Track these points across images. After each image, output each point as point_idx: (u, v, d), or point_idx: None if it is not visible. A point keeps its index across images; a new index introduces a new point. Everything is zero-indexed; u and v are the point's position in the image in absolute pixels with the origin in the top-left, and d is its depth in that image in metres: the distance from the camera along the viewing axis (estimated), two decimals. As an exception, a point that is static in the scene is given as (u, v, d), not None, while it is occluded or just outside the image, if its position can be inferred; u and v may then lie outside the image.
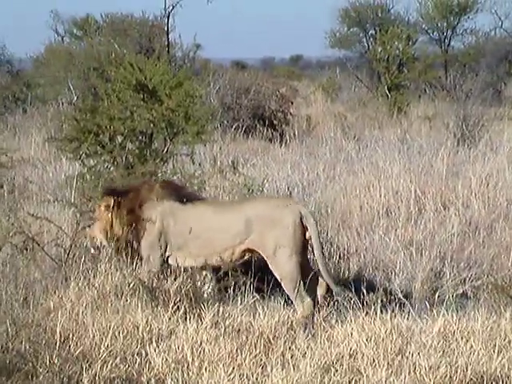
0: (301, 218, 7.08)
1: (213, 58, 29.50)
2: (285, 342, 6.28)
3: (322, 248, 7.41)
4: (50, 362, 5.53)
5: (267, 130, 19.40)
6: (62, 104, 19.71)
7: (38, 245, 7.68)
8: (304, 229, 7.08)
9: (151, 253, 7.29)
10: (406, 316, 6.85)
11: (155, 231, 7.31)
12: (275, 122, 20.28)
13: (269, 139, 18.88)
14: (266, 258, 7.07)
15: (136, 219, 7.44)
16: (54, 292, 6.89)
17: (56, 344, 5.76)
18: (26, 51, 31.55)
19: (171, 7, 23.94)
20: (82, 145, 10.93)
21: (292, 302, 6.95)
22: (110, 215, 7.56)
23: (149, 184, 7.87)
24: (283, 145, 17.56)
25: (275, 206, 7.15)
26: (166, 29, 23.99)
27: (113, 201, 7.65)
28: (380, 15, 28.63)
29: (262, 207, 7.17)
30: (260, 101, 20.21)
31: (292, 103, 21.44)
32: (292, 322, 6.68)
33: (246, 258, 7.20)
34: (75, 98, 19.94)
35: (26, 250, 7.66)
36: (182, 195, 7.61)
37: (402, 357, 6.09)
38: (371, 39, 28.57)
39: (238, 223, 7.13)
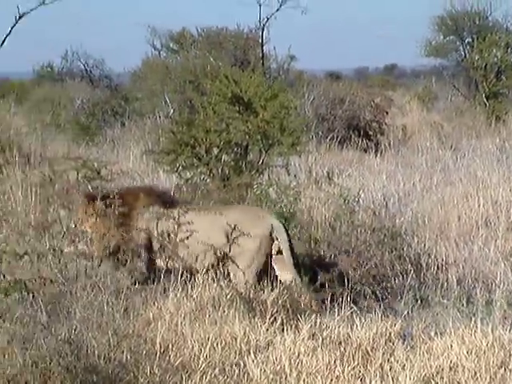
0: (271, 231, 7.44)
1: (307, 68, 29.48)
2: (383, 353, 6.20)
3: (295, 259, 7.57)
4: (150, 372, 5.59)
5: (362, 140, 19.30)
6: (159, 117, 19.99)
7: (138, 256, 7.79)
8: (272, 241, 7.46)
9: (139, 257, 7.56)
10: (508, 328, 6.70)
11: (144, 236, 7.53)
12: (370, 132, 20.16)
13: (364, 149, 18.77)
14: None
15: (124, 225, 7.62)
16: (154, 303, 6.97)
17: (156, 354, 5.82)
18: (124, 66, 32.17)
19: (266, 19, 24.07)
20: (178, 157, 11.08)
21: (390, 314, 6.90)
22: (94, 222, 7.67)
23: (133, 191, 8.04)
24: (378, 155, 17.45)
25: (248, 217, 7.53)
26: (260, 41, 24.11)
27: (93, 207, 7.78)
28: (477, 22, 28.15)
29: (237, 216, 7.51)
30: (355, 111, 20.12)
31: (387, 113, 21.28)
32: (390, 333, 6.60)
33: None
34: (172, 111, 20.20)
35: (126, 261, 7.79)
36: (166, 201, 7.86)
37: (504, 370, 5.96)
38: (468, 47, 28.11)
39: (217, 229, 7.47)
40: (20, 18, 14.21)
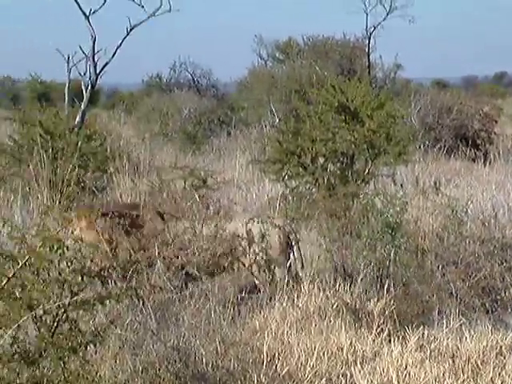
0: None
1: (413, 77, 29.23)
2: (494, 367, 6.08)
3: None
4: (257, 380, 5.62)
5: (470, 149, 18.98)
6: (265, 127, 20.11)
7: (244, 265, 7.85)
8: None
9: None
10: None
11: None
12: (478, 141, 19.81)
13: (472, 159, 18.46)
14: None
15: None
16: (260, 312, 7.00)
17: (263, 363, 5.85)
18: (231, 75, 32.50)
19: (373, 28, 23.97)
20: (284, 166, 11.11)
21: (500, 327, 6.77)
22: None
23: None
24: (487, 165, 17.13)
25: None
26: (366, 50, 24.02)
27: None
28: None
29: None
30: (462, 120, 19.81)
31: (496, 122, 20.87)
32: (501, 347, 6.46)
33: None
34: (277, 121, 20.29)
35: (232, 269, 7.85)
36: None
37: None
38: None
39: None
40: (131, 29, 14.50)
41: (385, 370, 5.95)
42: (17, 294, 4.67)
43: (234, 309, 6.92)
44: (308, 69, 23.08)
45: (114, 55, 14.61)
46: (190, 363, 5.56)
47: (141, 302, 6.24)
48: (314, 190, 11.02)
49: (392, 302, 7.10)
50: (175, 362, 5.59)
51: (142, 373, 5.40)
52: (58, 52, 15.34)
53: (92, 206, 7.87)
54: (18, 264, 4.67)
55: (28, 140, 12.85)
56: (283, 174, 11.15)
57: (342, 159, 11.06)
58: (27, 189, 12.03)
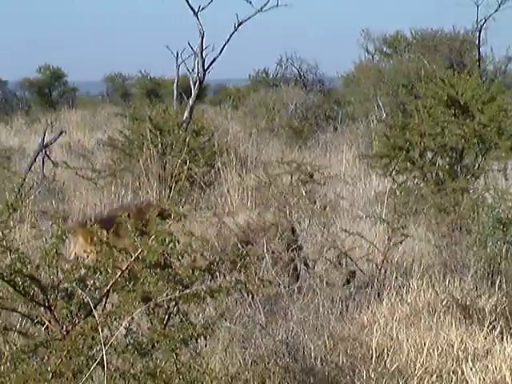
0: None
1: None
2: None
3: None
4: (366, 376, 5.60)
5: None
6: (372, 121, 19.97)
7: (351, 260, 7.83)
8: None
9: None
10: None
11: None
12: None
13: None
14: None
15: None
16: (367, 307, 6.97)
17: (371, 359, 5.82)
18: (337, 70, 32.35)
19: (483, 20, 23.50)
20: (391, 161, 11.01)
21: None
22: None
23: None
24: None
25: None
26: (477, 43, 23.56)
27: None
28: None
29: None
30: None
31: None
32: None
33: None
34: (384, 115, 20.13)
35: (340, 264, 7.83)
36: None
37: None
38: None
39: None
40: (239, 25, 14.61)
41: (497, 368, 5.83)
42: (130, 286, 4.77)
43: (341, 304, 6.91)
44: (416, 63, 22.79)
45: (221, 51, 14.75)
46: (298, 357, 5.57)
47: (249, 296, 6.28)
48: (422, 185, 10.89)
49: (504, 298, 6.96)
50: (284, 356, 5.61)
51: (251, 366, 5.44)
52: (168, 49, 15.61)
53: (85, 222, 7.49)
54: (131, 257, 4.76)
55: (138, 135, 13.10)
56: (391, 169, 11.06)
57: (451, 154, 10.90)
58: (137, 183, 12.26)
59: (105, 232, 7.02)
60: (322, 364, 5.61)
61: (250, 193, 10.72)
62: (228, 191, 11.07)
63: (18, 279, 4.56)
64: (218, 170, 12.17)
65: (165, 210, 7.99)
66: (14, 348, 4.36)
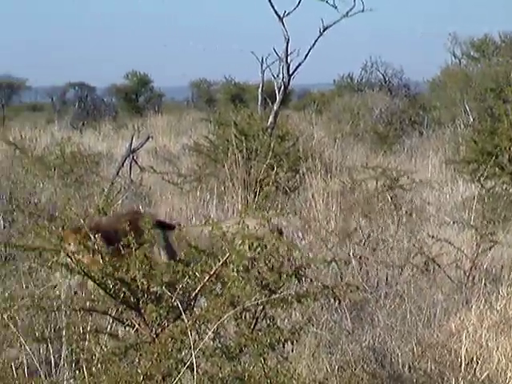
0: None
1: None
2: None
3: None
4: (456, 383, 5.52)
5: None
6: (459, 126, 19.72)
7: (439, 266, 7.73)
8: None
9: None
10: None
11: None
12: None
13: None
14: None
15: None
16: (455, 314, 6.87)
17: (460, 366, 5.73)
18: (423, 75, 32.02)
19: None
20: (480, 166, 10.86)
21: None
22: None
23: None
24: None
25: None
26: None
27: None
28: None
29: None
30: None
31: None
32: None
33: None
34: (471, 120, 19.85)
35: (427, 270, 7.75)
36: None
37: None
38: None
39: None
40: (324, 30, 14.60)
41: None
42: (217, 290, 4.80)
43: (429, 310, 6.82)
44: (504, 66, 22.41)
45: (306, 56, 14.76)
46: (385, 364, 5.53)
47: (336, 302, 6.26)
48: (511, 190, 10.72)
49: None
50: (371, 362, 5.58)
51: (338, 372, 5.42)
52: (253, 54, 15.68)
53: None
54: (219, 261, 4.79)
55: (223, 140, 13.19)
56: (479, 175, 10.91)
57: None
58: (222, 188, 12.35)
59: (97, 238, 7.02)
60: (409, 371, 5.56)
61: (334, 198, 10.67)
62: (313, 196, 11.05)
63: (109, 282, 4.64)
64: (303, 175, 12.16)
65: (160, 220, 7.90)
66: (105, 350, 4.44)
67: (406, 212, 10.58)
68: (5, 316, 4.67)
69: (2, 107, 38.57)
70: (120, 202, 11.10)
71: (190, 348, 4.31)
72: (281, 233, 7.40)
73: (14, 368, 4.86)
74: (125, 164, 13.40)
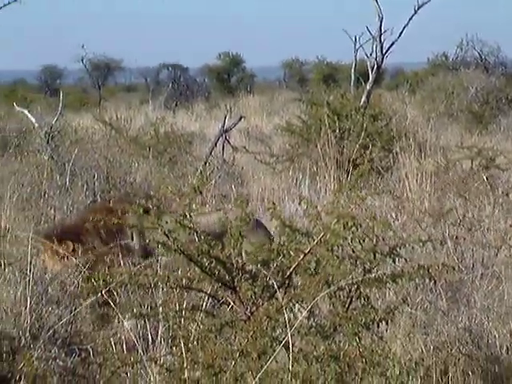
0: None
1: None
2: None
3: None
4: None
5: None
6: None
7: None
8: None
9: None
10: None
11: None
12: None
13: None
14: None
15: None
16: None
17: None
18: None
19: None
20: None
21: None
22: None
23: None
24: None
25: None
26: None
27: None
28: None
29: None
30: None
31: None
32: None
33: None
34: None
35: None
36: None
37: None
38: None
39: None
40: (419, 8, 14.40)
41: None
42: (312, 269, 4.80)
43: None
44: None
45: (400, 35, 14.58)
46: (482, 345, 5.45)
47: (431, 282, 6.19)
48: None
49: None
50: (467, 343, 5.50)
51: (433, 352, 5.37)
52: (345, 33, 15.58)
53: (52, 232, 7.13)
54: (314, 240, 4.79)
55: (315, 120, 13.16)
56: None
57: None
58: (314, 168, 12.33)
59: (70, 244, 6.93)
60: (507, 353, 5.46)
61: (428, 178, 10.54)
62: (406, 176, 10.94)
63: (205, 261, 4.69)
64: (396, 154, 12.05)
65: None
66: (201, 327, 4.49)
67: (503, 192, 10.38)
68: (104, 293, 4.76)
69: (98, 88, 39.28)
70: (213, 181, 11.18)
71: (285, 326, 4.33)
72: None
73: (113, 343, 4.97)
74: (217, 144, 13.49)
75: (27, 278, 5.95)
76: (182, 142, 14.53)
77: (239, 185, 12.41)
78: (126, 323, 5.37)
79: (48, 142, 11.99)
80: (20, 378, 5.12)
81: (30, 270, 5.97)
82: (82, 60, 39.93)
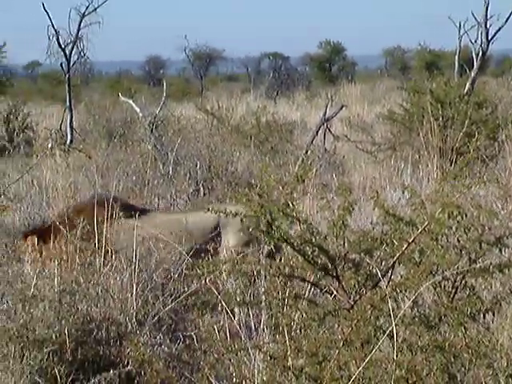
0: None
1: None
2: None
3: None
4: None
5: None
6: None
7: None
8: None
9: None
10: None
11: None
12: None
13: None
14: None
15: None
16: None
17: None
18: None
19: None
20: None
21: None
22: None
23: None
24: None
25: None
26: None
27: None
28: None
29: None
30: None
31: None
32: None
33: None
34: None
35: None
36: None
37: None
38: None
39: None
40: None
41: None
42: (416, 258, 4.75)
43: None
44: None
45: (507, 20, 14.28)
46: None
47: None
48: None
49: None
50: None
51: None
52: (450, 20, 15.34)
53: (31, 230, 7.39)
54: (418, 229, 4.74)
55: (418, 109, 13.01)
56: None
57: None
58: (417, 157, 12.20)
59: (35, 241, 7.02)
60: None
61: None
62: (512, 165, 10.74)
63: (308, 249, 4.69)
64: (502, 143, 11.83)
65: (128, 204, 7.65)
66: (304, 315, 4.50)
67: None
68: (207, 281, 4.82)
69: (200, 78, 39.70)
70: (314, 170, 11.17)
71: (389, 316, 4.30)
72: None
73: (216, 330, 5.02)
74: (318, 133, 13.48)
75: (133, 266, 6.06)
76: (283, 131, 14.58)
77: (340, 174, 12.37)
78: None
79: (152, 132, 12.18)
80: (127, 362, 5.25)
81: (136, 257, 6.08)
82: (185, 50, 40.43)
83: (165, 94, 13.64)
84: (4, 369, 5.24)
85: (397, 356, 4.09)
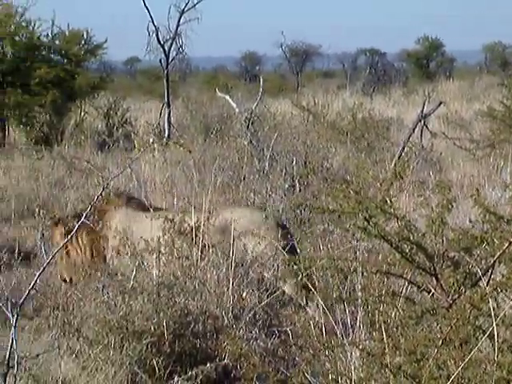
0: None
1: None
2: None
3: None
4: None
5: None
6: None
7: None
8: None
9: None
10: None
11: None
12: None
13: None
14: None
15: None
16: None
17: None
18: None
19: None
20: None
21: None
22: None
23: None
24: None
25: None
26: None
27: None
28: None
29: None
30: None
31: None
32: None
33: None
34: None
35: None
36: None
37: None
38: None
39: None
40: None
41: None
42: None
43: None
44: None
45: None
46: None
47: None
48: None
49: None
50: None
51: None
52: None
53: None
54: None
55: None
56: None
57: None
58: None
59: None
60: None
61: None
62: None
63: (405, 246, 4.65)
64: None
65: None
66: (402, 313, 4.46)
67: None
68: (304, 277, 4.82)
69: (296, 74, 39.74)
70: (411, 167, 11.06)
71: (489, 315, 4.23)
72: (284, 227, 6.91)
73: (312, 326, 5.02)
74: (415, 130, 13.34)
75: (229, 260, 6.11)
76: (379, 127, 14.47)
77: (437, 171, 12.22)
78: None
79: (248, 127, 12.23)
80: (224, 356, 5.29)
81: (233, 252, 6.13)
82: (281, 46, 40.51)
83: (261, 90, 13.68)
84: (105, 359, 5.35)
85: (497, 357, 4.02)
